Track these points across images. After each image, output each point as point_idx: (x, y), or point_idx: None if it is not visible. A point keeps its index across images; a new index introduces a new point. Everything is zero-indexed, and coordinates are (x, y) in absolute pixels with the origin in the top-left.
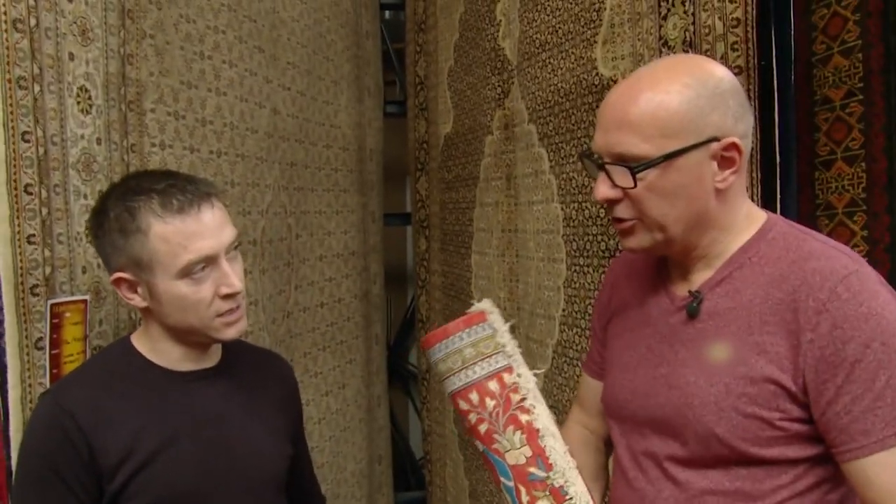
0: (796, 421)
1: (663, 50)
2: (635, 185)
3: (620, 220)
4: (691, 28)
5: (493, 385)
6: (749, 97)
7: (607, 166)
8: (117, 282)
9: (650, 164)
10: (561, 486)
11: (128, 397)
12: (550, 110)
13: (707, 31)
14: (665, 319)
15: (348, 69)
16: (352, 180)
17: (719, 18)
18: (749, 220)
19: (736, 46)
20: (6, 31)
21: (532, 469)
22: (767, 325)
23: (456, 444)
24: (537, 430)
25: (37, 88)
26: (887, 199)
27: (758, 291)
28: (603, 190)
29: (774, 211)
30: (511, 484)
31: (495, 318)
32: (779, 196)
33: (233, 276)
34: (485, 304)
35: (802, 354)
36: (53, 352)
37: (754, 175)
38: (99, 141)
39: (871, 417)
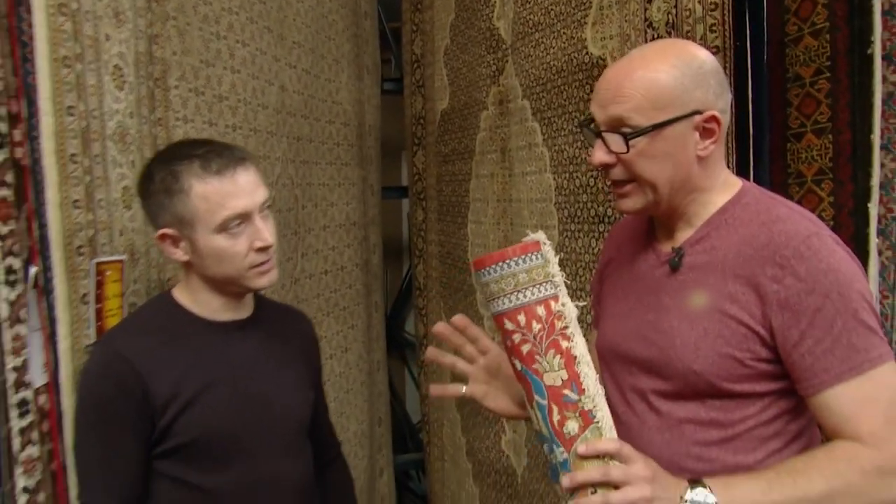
0: (763, 361)
1: (648, 31)
2: (628, 151)
3: (618, 184)
4: (674, 11)
5: (540, 310)
6: (726, 75)
7: (604, 134)
8: (162, 237)
9: (641, 132)
10: (590, 410)
11: (172, 345)
12: (543, 87)
13: (688, 13)
14: (652, 273)
15: (348, 48)
16: (352, 154)
17: (699, 2)
18: (726, 185)
19: (714, 28)
20: (52, 14)
21: (566, 391)
22: (739, 277)
23: (454, 405)
24: (574, 357)
25: (79, 67)
26: (851, 168)
27: (732, 249)
28: (599, 155)
29: (748, 179)
30: (545, 402)
31: (548, 249)
32: (752, 165)
33: (265, 231)
34: (539, 235)
35: (769, 304)
36: (97, 306)
37: (730, 145)
38: (131, 115)
39: (830, 357)
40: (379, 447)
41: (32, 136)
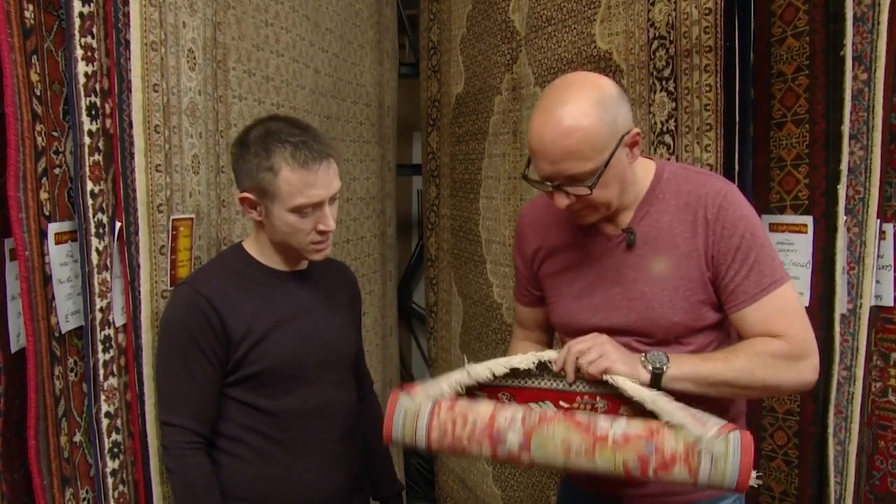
0: (714, 296)
1: (650, 30)
2: (591, 193)
3: (576, 211)
4: (673, 13)
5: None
6: (715, 72)
7: (565, 187)
8: (243, 199)
9: (598, 174)
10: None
11: (244, 288)
12: (554, 76)
13: (685, 16)
14: (609, 254)
15: (371, 34)
16: (373, 133)
17: (695, 7)
18: (644, 169)
19: (707, 30)
20: (144, 5)
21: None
22: (686, 238)
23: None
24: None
25: (162, 50)
26: (824, 154)
27: (672, 217)
28: (563, 201)
29: (734, 163)
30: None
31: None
32: (738, 151)
33: (330, 218)
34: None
35: (709, 249)
36: (172, 257)
37: (718, 132)
38: (200, 93)
39: (746, 283)
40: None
41: (121, 109)
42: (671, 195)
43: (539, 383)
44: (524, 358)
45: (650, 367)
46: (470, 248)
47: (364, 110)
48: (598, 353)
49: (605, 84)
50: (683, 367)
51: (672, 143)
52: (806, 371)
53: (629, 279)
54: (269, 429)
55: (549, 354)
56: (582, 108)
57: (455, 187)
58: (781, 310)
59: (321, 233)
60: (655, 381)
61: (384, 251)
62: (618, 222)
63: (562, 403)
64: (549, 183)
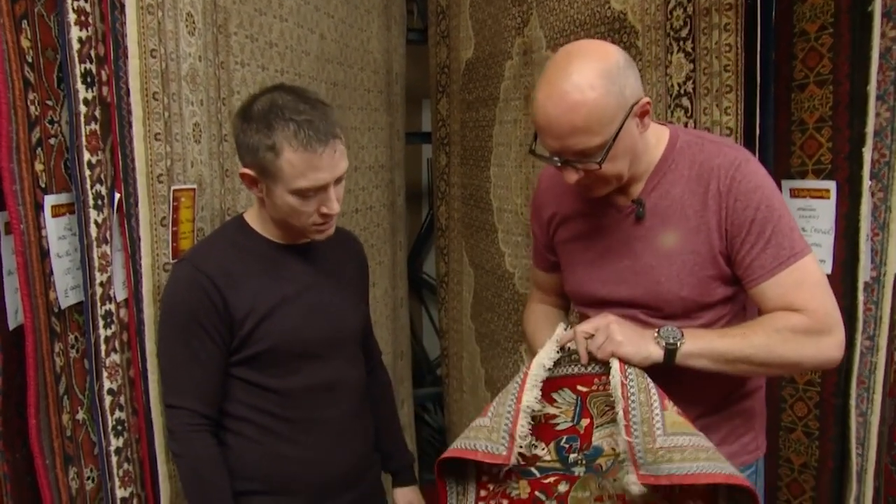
0: (726, 270)
1: None
2: (601, 167)
3: (586, 186)
4: None
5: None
6: (736, 31)
7: (574, 163)
8: (244, 175)
9: (607, 148)
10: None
11: (247, 264)
12: (567, 39)
13: None
14: (617, 226)
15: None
16: (381, 101)
17: None
18: (657, 136)
19: None
20: None
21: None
22: (696, 211)
23: (473, 338)
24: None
25: (160, 14)
26: (848, 115)
27: (684, 189)
28: (572, 177)
29: (755, 126)
30: None
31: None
32: (758, 113)
33: (334, 201)
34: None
35: (722, 223)
36: (173, 229)
37: (738, 94)
38: (200, 58)
39: (763, 256)
40: (401, 379)
41: (118, 76)
42: (684, 165)
43: (556, 371)
44: (545, 352)
45: (664, 343)
46: (481, 217)
47: (372, 77)
48: (603, 336)
49: (612, 52)
50: (699, 342)
51: (690, 107)
52: (829, 347)
53: (637, 252)
54: (277, 408)
55: (559, 333)
56: (588, 80)
57: (465, 155)
58: (801, 283)
59: (324, 215)
60: (669, 358)
61: (394, 221)
62: (629, 192)
63: (580, 388)
64: (556, 159)
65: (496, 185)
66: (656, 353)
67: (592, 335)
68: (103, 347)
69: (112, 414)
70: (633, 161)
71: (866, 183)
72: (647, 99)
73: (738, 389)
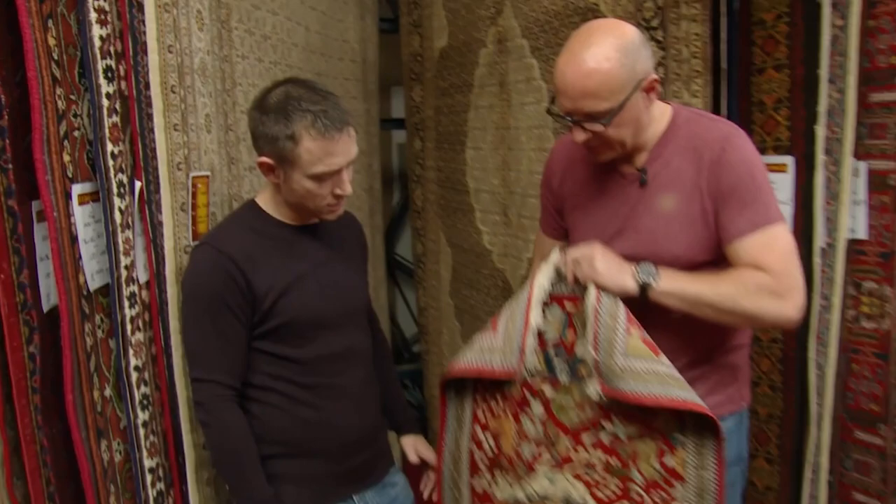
0: (715, 233)
1: None
2: (606, 130)
3: (594, 148)
4: None
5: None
6: (703, 20)
7: (583, 123)
8: (261, 164)
9: (612, 113)
10: None
11: (263, 245)
12: (541, 28)
13: None
14: (622, 191)
15: None
16: (358, 89)
17: None
18: (661, 113)
19: None
20: None
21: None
22: (691, 177)
23: (452, 314)
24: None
25: (174, 11)
26: (803, 97)
27: (682, 159)
28: (580, 136)
29: (719, 107)
30: None
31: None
32: (722, 95)
33: (347, 183)
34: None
35: (711, 189)
36: (192, 213)
37: (706, 77)
38: (208, 52)
39: (740, 218)
40: None
41: (136, 71)
42: (683, 138)
43: (553, 289)
44: (544, 274)
45: (640, 279)
46: (458, 199)
47: (350, 66)
48: (587, 264)
49: (629, 31)
50: (671, 283)
51: (661, 90)
52: (788, 308)
53: (638, 213)
54: (298, 376)
55: (554, 257)
56: (604, 52)
57: (440, 140)
58: (771, 247)
59: (337, 196)
60: (642, 293)
61: (372, 204)
62: (634, 161)
63: (567, 306)
64: (568, 118)
65: (472, 167)
66: (631, 286)
67: (577, 261)
68: (129, 327)
69: (138, 389)
70: (636, 131)
71: (820, 157)
72: (655, 76)
73: (723, 345)
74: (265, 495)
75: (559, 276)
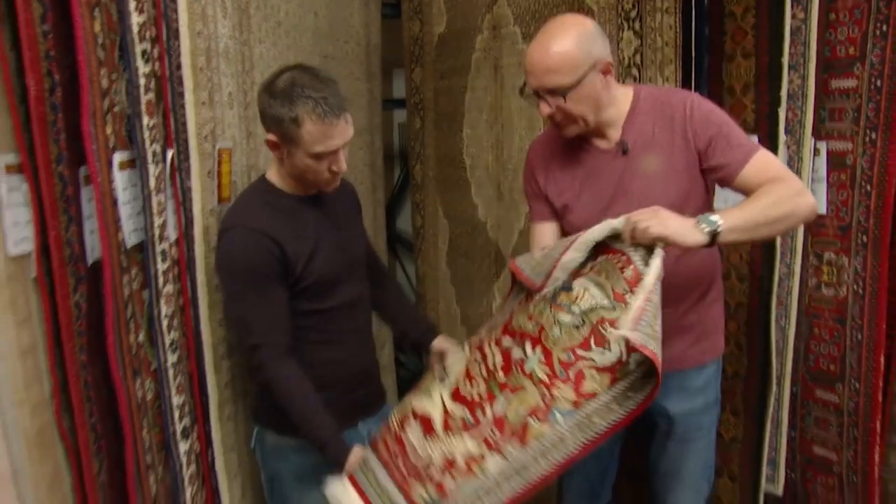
0: (700, 181)
1: None
2: (565, 102)
3: (560, 123)
4: None
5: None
6: (675, 13)
7: (546, 96)
8: (268, 141)
9: (570, 88)
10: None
11: (282, 217)
12: (532, 16)
13: None
14: (607, 165)
15: None
16: (362, 70)
17: None
18: (624, 93)
19: None
20: None
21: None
22: (666, 137)
23: (448, 280)
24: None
25: (203, 1)
26: (767, 83)
27: (653, 124)
28: (545, 109)
29: (693, 91)
30: None
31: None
32: (694, 81)
33: (343, 161)
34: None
35: (692, 142)
36: (217, 180)
37: (676, 64)
38: (231, 38)
39: (733, 154)
40: (382, 325)
41: (169, 54)
42: (650, 110)
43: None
44: (600, 228)
45: (708, 230)
46: (455, 174)
47: (354, 49)
48: (658, 223)
49: (588, 23)
50: (731, 220)
51: (638, 75)
52: (811, 199)
53: (627, 180)
54: (319, 324)
55: (615, 221)
56: (565, 36)
57: (439, 119)
58: (770, 163)
59: (333, 172)
60: (713, 239)
61: (374, 180)
62: (609, 137)
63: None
64: (536, 94)
65: (468, 145)
66: (703, 237)
67: (644, 220)
68: (160, 279)
69: (168, 334)
70: (596, 108)
71: (782, 137)
72: (609, 60)
73: (707, 295)
74: (333, 430)
75: (615, 237)
